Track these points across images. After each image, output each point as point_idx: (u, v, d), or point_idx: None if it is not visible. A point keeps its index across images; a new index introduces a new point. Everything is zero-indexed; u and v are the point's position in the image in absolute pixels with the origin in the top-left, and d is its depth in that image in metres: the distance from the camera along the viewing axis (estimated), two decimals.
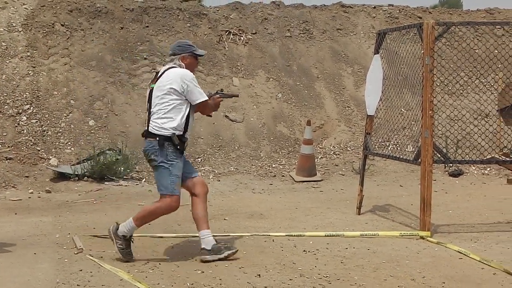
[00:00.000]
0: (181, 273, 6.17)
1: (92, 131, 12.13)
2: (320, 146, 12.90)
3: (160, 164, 6.46)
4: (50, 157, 11.39)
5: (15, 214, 8.91)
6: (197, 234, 7.60)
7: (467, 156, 9.29)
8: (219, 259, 6.50)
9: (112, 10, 14.11)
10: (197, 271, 6.24)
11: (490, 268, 6.49)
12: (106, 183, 10.80)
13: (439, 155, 8.01)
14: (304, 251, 7.03)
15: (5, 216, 8.73)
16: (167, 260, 6.63)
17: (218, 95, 6.89)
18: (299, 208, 9.41)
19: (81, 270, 6.18)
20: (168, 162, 6.46)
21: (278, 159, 12.39)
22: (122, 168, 11.06)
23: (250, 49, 14.28)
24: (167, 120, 6.45)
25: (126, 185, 10.78)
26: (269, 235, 7.61)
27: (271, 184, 11.10)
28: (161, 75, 6.59)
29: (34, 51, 13.04)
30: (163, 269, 6.30)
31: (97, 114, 12.43)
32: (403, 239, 7.67)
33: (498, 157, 11.16)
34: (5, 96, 12.17)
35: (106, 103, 12.64)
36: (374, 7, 16.06)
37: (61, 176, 10.85)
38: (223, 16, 14.90)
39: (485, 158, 9.05)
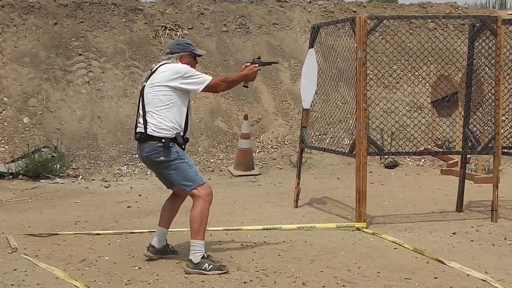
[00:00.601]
0: (118, 270, 6.14)
1: (26, 129, 11.97)
2: (258, 140, 12.95)
3: (176, 161, 6.11)
4: None
5: None
6: (135, 230, 7.63)
7: (401, 148, 9.43)
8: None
9: (46, 6, 13.92)
10: (134, 267, 6.22)
11: (423, 257, 6.63)
12: (41, 181, 10.67)
13: (374, 147, 8.13)
14: (241, 244, 7.07)
15: None
16: (104, 257, 6.58)
17: (255, 64, 6.48)
18: (237, 202, 9.44)
19: (15, 270, 6.10)
20: (181, 156, 6.14)
21: (216, 154, 12.41)
22: (58, 166, 10.95)
23: None
24: (166, 120, 6.10)
25: (62, 183, 10.68)
26: (207, 230, 7.61)
27: (209, 179, 11.11)
28: (154, 72, 6.31)
29: None
30: (100, 266, 6.27)
31: (31, 111, 12.28)
32: (339, 230, 7.77)
33: (432, 148, 11.39)
34: None
35: (41, 100, 12.48)
36: (310, 2, 16.19)
37: None
38: (159, 11, 14.84)
39: (419, 149, 9.22)
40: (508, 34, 9.29)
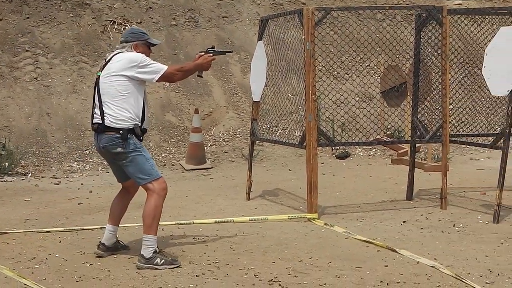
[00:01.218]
0: (69, 267, 6.10)
1: None
2: (210, 134, 12.93)
3: (133, 153, 6.05)
4: None
5: None
6: (86, 227, 7.57)
7: (351, 138, 9.50)
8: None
9: None
10: (86, 264, 6.18)
11: (374, 246, 6.70)
12: None
13: (324, 138, 8.17)
14: (193, 238, 7.07)
15: None
16: (54, 254, 6.52)
17: (209, 53, 6.44)
18: (189, 196, 9.43)
19: None
20: (139, 149, 6.08)
21: (168, 148, 12.36)
22: (6, 164, 10.81)
23: None
24: (124, 110, 6.02)
25: (11, 181, 10.55)
26: (159, 224, 7.58)
27: (161, 174, 11.04)
28: (108, 61, 6.17)
29: None
30: (50, 264, 6.21)
31: None
32: (291, 222, 7.81)
33: (382, 138, 11.48)
34: None
35: None
36: None
37: None
38: (107, 5, 14.71)
39: (370, 140, 9.29)
40: (454, 24, 9.41)
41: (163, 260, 6.01)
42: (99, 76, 6.18)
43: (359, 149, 12.75)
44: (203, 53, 6.48)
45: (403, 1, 16.65)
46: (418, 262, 6.15)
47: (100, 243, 6.45)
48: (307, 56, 7.88)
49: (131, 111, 6.06)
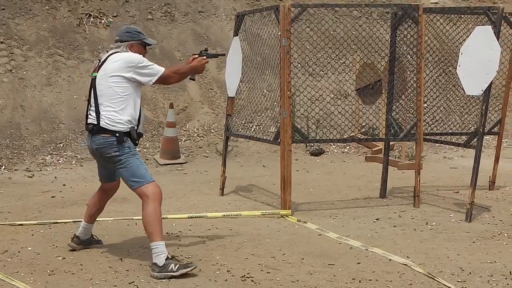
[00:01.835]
0: (41, 261, 6.06)
1: None
2: (184, 129, 12.90)
3: (126, 157, 5.84)
4: None
5: None
6: (59, 220, 7.53)
7: (325, 135, 9.52)
8: None
9: None
10: (58, 258, 6.15)
11: (347, 243, 6.72)
12: None
13: (298, 135, 8.19)
14: (167, 233, 7.03)
15: None
16: (26, 247, 6.49)
17: (202, 56, 6.26)
18: (163, 190, 9.28)
19: None
20: (132, 152, 5.88)
21: (142, 143, 12.31)
22: None
23: (111, 32, 14.06)
24: (121, 113, 5.81)
25: None
26: (132, 219, 7.59)
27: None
28: (103, 62, 5.97)
29: None
30: (22, 257, 6.17)
31: None
32: (264, 218, 7.82)
33: (356, 135, 11.52)
34: None
35: None
36: None
37: None
38: None
39: (344, 137, 9.33)
40: (429, 23, 9.46)
41: (177, 265, 5.69)
42: (95, 77, 5.97)
43: (334, 146, 12.79)
44: (196, 56, 6.29)
45: None
46: (390, 260, 6.18)
47: (74, 235, 6.42)
48: (282, 52, 7.88)
49: (129, 114, 5.88)
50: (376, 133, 12.37)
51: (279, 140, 8.05)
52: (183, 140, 12.50)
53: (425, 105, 9.23)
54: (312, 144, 12.37)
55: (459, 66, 8.20)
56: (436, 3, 16.91)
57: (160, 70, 5.98)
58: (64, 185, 9.76)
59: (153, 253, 5.75)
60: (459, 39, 9.31)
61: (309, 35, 10.47)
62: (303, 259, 6.20)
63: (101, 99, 5.86)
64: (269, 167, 11.33)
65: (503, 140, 10.40)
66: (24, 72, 12.71)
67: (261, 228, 7.34)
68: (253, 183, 9.99)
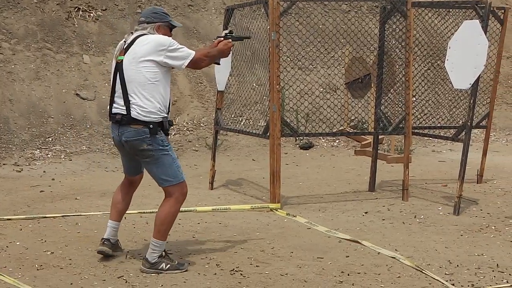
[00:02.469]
0: (30, 255, 6.05)
1: None
2: (174, 123, 12.88)
3: (160, 152, 5.48)
4: None
5: None
6: (48, 215, 7.52)
7: (314, 129, 9.55)
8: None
9: None
10: (47, 252, 6.14)
11: (336, 237, 6.74)
12: None
13: (288, 129, 8.20)
14: None
15: None
16: (15, 242, 6.47)
17: (228, 39, 5.82)
18: (152, 185, 9.25)
19: None
20: (166, 147, 5.52)
21: None
22: None
23: (100, 26, 14.05)
24: (153, 101, 5.42)
25: None
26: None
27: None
28: (130, 44, 5.50)
29: None
30: (11, 252, 6.16)
31: None
32: (254, 212, 7.83)
33: (345, 129, 11.54)
34: None
35: None
36: None
37: None
38: None
39: (333, 131, 9.35)
40: (418, 17, 9.48)
41: (168, 265, 5.60)
42: (121, 61, 5.51)
43: (323, 140, 12.81)
44: (222, 38, 5.84)
45: None
46: (379, 253, 6.20)
47: (103, 239, 5.94)
48: (272, 46, 7.89)
49: (161, 102, 5.47)
50: (365, 126, 12.41)
51: (268, 134, 8.06)
52: (173, 134, 12.49)
53: (414, 98, 9.26)
54: (302, 138, 12.39)
55: (447, 60, 8.22)
56: None
57: (191, 53, 5.59)
58: (53, 179, 9.74)
59: (150, 249, 5.63)
60: (447, 33, 9.35)
61: (298, 29, 10.50)
62: (292, 252, 6.22)
63: (131, 86, 5.45)
64: (258, 161, 11.35)
65: (491, 134, 10.46)
66: (13, 66, 12.67)
67: (250, 222, 7.36)
68: (243, 177, 10.00)
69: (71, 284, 5.34)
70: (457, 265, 5.89)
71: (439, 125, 9.57)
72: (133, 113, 5.42)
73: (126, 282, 5.41)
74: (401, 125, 8.52)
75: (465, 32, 8.00)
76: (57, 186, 9.33)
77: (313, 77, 11.69)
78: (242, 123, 12.71)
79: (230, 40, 5.84)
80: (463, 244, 6.57)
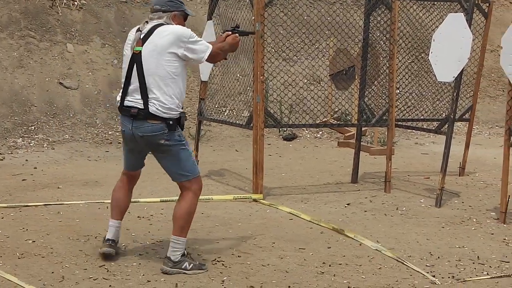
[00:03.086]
0: (11, 244, 6.02)
1: None
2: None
3: (177, 147, 5.30)
4: None
5: None
6: (30, 204, 7.49)
7: (297, 120, 9.56)
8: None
9: None
10: (28, 241, 6.11)
11: (318, 228, 6.77)
12: None
13: (271, 120, 8.20)
14: (138, 217, 7.05)
15: None
16: None
17: (235, 33, 5.62)
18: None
19: None
20: (183, 142, 5.34)
21: (115, 126, 12.25)
22: None
23: (84, 15, 13.97)
24: (173, 96, 5.17)
25: None
26: (103, 202, 7.56)
27: (108, 151, 10.98)
28: (148, 33, 5.23)
29: None
30: None
31: None
32: (236, 202, 7.83)
33: (329, 121, 11.56)
34: None
35: None
36: None
37: None
38: None
39: (317, 122, 9.36)
40: (403, 9, 9.50)
41: (191, 265, 5.40)
42: (139, 52, 5.22)
43: (306, 131, 12.82)
44: (230, 33, 5.63)
45: None
46: (360, 244, 6.23)
47: (106, 239, 5.69)
48: (256, 37, 7.88)
49: (179, 97, 5.24)
50: (349, 118, 12.44)
51: (252, 125, 8.06)
52: None
53: (398, 91, 9.28)
54: (285, 129, 12.39)
55: (431, 52, 8.25)
56: None
57: (209, 46, 5.34)
58: (35, 168, 9.69)
59: (171, 247, 5.41)
60: (432, 25, 9.37)
61: (283, 20, 10.50)
62: (274, 243, 6.23)
63: (150, 79, 5.18)
64: (241, 152, 11.34)
65: (473, 127, 10.51)
66: None
67: (232, 212, 7.36)
68: (226, 167, 9.99)
69: (52, 272, 5.33)
70: (438, 257, 5.92)
71: (422, 117, 9.60)
72: (152, 109, 5.17)
73: (108, 271, 5.40)
74: (384, 117, 8.55)
75: (449, 25, 8.02)
76: (39, 175, 9.28)
77: (297, 68, 11.68)
78: (225, 114, 12.70)
79: (237, 34, 5.66)
80: (444, 236, 6.61)
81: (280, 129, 12.43)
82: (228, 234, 6.48)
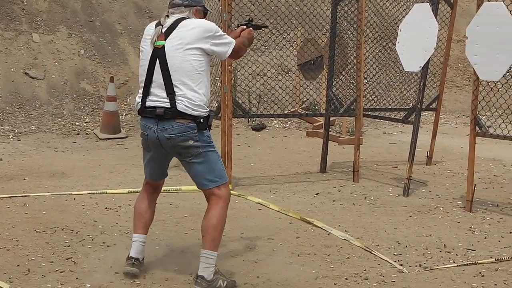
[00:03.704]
0: None
1: None
2: (125, 103, 12.79)
3: (206, 148, 4.90)
4: None
5: None
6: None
7: (266, 110, 9.56)
8: None
9: None
10: None
11: (287, 218, 6.78)
12: None
13: (239, 110, 8.19)
14: (106, 208, 7.00)
15: None
16: None
17: (249, 27, 5.36)
18: (103, 165, 9.31)
19: None
20: (211, 143, 4.95)
21: (82, 117, 12.18)
22: None
23: (50, 4, 13.83)
24: (201, 93, 4.81)
25: None
26: (71, 194, 7.50)
27: (75, 142, 10.89)
28: (172, 28, 4.90)
29: None
30: None
31: None
32: None
33: (297, 110, 11.57)
34: None
35: None
36: None
37: None
38: None
39: (286, 112, 9.38)
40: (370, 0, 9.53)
41: (226, 282, 4.94)
42: (162, 46, 4.87)
43: (275, 121, 12.82)
44: (245, 27, 5.35)
45: None
46: (329, 234, 6.25)
47: (131, 258, 5.20)
48: (223, 27, 7.85)
49: (206, 94, 4.89)
50: (317, 108, 12.46)
51: (220, 115, 8.04)
52: (124, 114, 12.39)
53: (365, 81, 9.31)
54: (254, 119, 12.39)
55: (398, 42, 8.29)
56: None
57: (232, 41, 5.05)
58: (1, 159, 9.58)
59: (202, 263, 4.91)
60: (398, 15, 9.40)
61: (251, 10, 10.46)
62: (243, 233, 6.23)
63: (176, 75, 4.82)
64: None
65: (440, 116, 10.59)
66: None
67: (201, 203, 7.29)
68: None
69: (18, 265, 5.27)
70: (406, 246, 5.96)
71: (390, 107, 9.64)
72: (180, 106, 4.78)
73: (75, 263, 5.36)
74: (352, 107, 8.57)
75: (415, 15, 8.06)
76: (5, 166, 9.18)
77: (265, 59, 11.65)
78: None
79: (251, 28, 5.41)
80: (411, 225, 6.65)
81: (249, 119, 12.42)
82: (197, 225, 6.42)
